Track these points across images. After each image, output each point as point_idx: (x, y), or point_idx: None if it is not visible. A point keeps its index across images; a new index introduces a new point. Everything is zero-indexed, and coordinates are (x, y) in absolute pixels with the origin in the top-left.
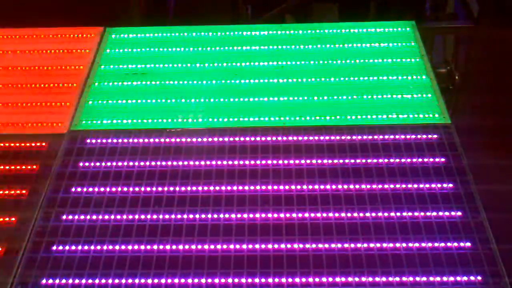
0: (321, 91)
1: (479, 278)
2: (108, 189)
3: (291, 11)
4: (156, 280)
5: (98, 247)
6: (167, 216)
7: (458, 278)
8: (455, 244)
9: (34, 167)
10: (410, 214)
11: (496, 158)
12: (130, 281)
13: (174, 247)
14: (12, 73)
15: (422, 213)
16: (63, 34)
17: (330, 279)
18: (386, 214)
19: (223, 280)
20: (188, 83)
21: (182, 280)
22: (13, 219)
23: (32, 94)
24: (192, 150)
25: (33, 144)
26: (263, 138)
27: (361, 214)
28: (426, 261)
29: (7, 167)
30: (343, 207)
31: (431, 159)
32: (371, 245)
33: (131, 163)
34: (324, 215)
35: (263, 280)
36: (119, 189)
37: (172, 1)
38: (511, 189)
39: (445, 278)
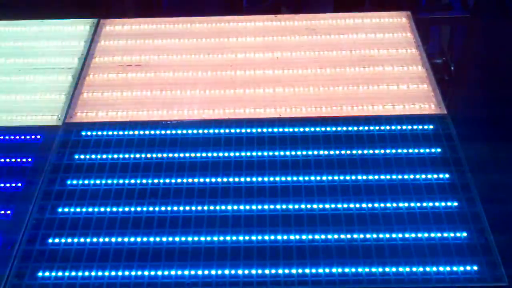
0: (316, 82)
1: (475, 268)
2: (103, 181)
3: (286, 2)
4: (152, 272)
5: (94, 240)
6: (163, 208)
7: (454, 268)
8: (451, 234)
9: (29, 159)
10: (406, 204)
11: (492, 149)
12: (126, 273)
13: (170, 239)
14: (6, 66)
15: (418, 204)
16: (57, 26)
17: (327, 270)
18: (382, 204)
19: (219, 272)
20: (183, 75)
21: (179, 272)
22: (8, 212)
23: (27, 86)
24: (188, 142)
25: (27, 137)
26: (259, 130)
27: (357, 205)
28: (422, 252)
29: (2, 160)
30: (339, 198)
31: (427, 150)
32: (368, 235)
33: (126, 155)
34: (321, 206)
35: (259, 271)
36: (115, 181)
37: None
38: (507, 180)
39: (441, 268)
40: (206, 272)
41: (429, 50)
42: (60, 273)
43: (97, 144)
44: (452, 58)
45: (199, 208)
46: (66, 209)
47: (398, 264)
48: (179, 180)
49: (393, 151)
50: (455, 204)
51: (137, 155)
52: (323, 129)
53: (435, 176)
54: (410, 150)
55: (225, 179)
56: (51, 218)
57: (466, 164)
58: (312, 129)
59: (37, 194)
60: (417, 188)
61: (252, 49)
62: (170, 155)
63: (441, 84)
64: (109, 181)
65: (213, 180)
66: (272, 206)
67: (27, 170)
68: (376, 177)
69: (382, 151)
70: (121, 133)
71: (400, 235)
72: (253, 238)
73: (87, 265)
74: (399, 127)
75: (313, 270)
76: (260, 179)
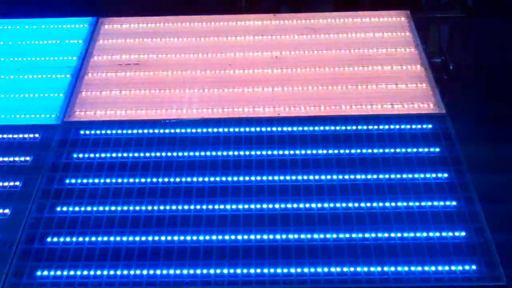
0: (315, 81)
1: (473, 267)
2: (102, 180)
3: (286, 1)
4: (151, 271)
5: (93, 239)
6: (161, 207)
7: (453, 267)
8: (450, 233)
9: (28, 158)
10: (405, 204)
11: (491, 148)
12: (125, 272)
13: (169, 238)
14: (4, 64)
15: (417, 203)
16: (56, 25)
17: (326, 269)
18: (381, 204)
19: (218, 271)
20: (182, 74)
21: (178, 271)
22: (6, 211)
23: (25, 85)
24: (187, 141)
25: (26, 136)
26: (258, 129)
27: (356, 205)
28: (421, 251)
29: (0, 159)
30: (338, 197)
31: (426, 149)
32: (366, 235)
33: (125, 154)
34: (319, 205)
35: (258, 270)
36: (113, 180)
37: None
38: (505, 179)
39: (440, 268)
40: (204, 271)
41: (428, 50)
42: (58, 272)
43: (96, 143)
44: (451, 57)
45: (198, 207)
46: (64, 208)
47: (397, 264)
48: (177, 179)
49: (392, 150)
50: (454, 203)
51: (136, 154)
52: (322, 128)
53: (434, 175)
54: (409, 150)
55: (223, 178)
56: (50, 217)
57: (464, 164)
58: (311, 128)
59: (36, 193)
60: (415, 188)
61: (251, 48)
62: (169, 154)
63: (439, 84)
64: (108, 180)
65: (212, 179)
66: (270, 206)
67: (25, 169)
68: (375, 176)
69: (381, 150)
70: (119, 132)
71: (399, 235)
72: (252, 237)
73: (86, 264)
74: (397, 126)
75: (312, 270)
76: (258, 178)
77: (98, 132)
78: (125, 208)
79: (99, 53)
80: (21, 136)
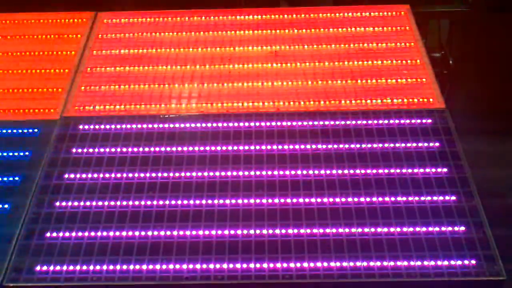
0: (315, 75)
1: (473, 262)
2: (101, 175)
3: None
4: (151, 266)
5: (92, 234)
6: (161, 202)
7: (452, 262)
8: (449, 228)
9: (27, 153)
10: (404, 199)
11: (490, 143)
12: (124, 267)
13: (168, 233)
14: (3, 58)
15: (417, 198)
16: (54, 19)
17: (325, 264)
18: (380, 199)
19: (218, 266)
20: (181, 68)
21: (177, 266)
22: (6, 206)
23: (24, 80)
24: (186, 135)
25: (25, 131)
26: (257, 124)
27: (356, 199)
28: (420, 246)
29: None
30: (337, 192)
31: (426, 144)
32: (366, 230)
33: (124, 149)
34: (319, 200)
35: (258, 265)
36: (113, 175)
37: None
38: (505, 174)
39: (439, 263)
40: (204, 266)
41: (428, 44)
42: (58, 267)
43: (95, 138)
44: (451, 52)
45: (197, 202)
46: (63, 203)
47: (396, 258)
48: (177, 174)
49: (392, 145)
50: (453, 198)
51: (135, 149)
52: (321, 123)
53: (433, 170)
54: (409, 144)
55: (223, 173)
56: (49, 212)
57: (464, 158)
58: (311, 123)
59: (35, 188)
60: (415, 182)
61: (250, 43)
62: (168, 149)
63: (440, 78)
64: (107, 175)
65: (211, 174)
66: (270, 201)
67: (24, 164)
68: (375, 171)
69: (381, 145)
70: (119, 126)
71: (398, 229)
72: (251, 232)
73: (85, 259)
74: (397, 121)
75: (311, 264)
76: (258, 173)
77: (97, 127)
78: (124, 203)
79: (98, 48)
80: (20, 131)
